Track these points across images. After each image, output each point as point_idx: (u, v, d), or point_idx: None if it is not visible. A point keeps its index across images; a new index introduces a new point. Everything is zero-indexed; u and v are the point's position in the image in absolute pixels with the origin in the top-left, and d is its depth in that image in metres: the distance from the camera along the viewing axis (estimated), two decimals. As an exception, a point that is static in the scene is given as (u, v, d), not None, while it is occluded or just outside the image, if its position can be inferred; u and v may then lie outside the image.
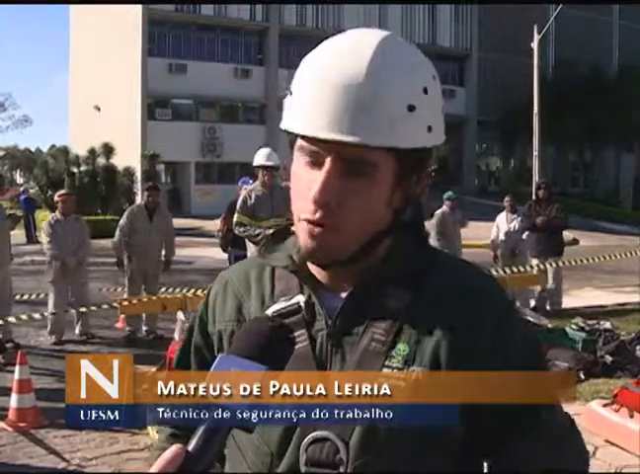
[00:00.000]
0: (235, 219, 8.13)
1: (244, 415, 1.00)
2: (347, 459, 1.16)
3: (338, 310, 1.23)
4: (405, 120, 1.14)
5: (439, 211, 12.22)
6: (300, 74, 1.19)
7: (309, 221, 1.19)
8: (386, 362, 1.18)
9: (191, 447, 0.99)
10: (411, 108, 1.14)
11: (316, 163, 1.17)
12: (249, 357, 1.02)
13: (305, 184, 1.18)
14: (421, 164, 1.22)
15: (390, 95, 1.13)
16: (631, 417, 5.24)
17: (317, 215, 1.17)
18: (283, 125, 1.21)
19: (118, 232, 9.75)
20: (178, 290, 9.80)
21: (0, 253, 8.96)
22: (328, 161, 1.16)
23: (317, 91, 1.15)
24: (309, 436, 1.17)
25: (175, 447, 0.97)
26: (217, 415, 1.00)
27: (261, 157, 8.18)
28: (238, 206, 8.10)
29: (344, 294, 1.24)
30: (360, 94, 1.12)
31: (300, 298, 1.26)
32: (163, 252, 9.90)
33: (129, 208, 10.08)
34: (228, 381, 1.00)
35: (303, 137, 1.18)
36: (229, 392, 1.00)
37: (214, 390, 1.01)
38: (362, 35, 1.19)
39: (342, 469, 1.16)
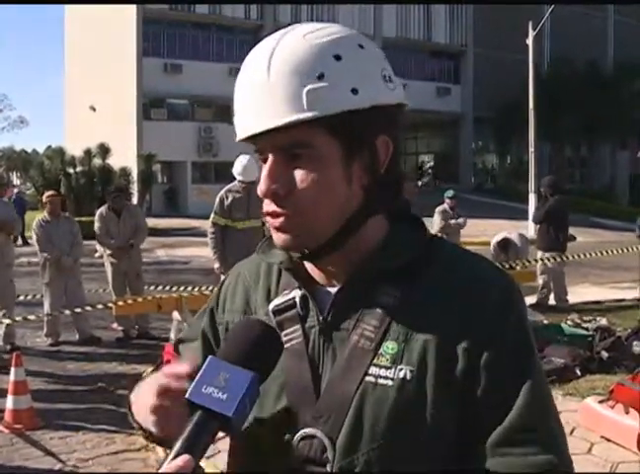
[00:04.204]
0: (211, 220, 8.23)
1: (228, 417, 1.00)
2: (333, 458, 1.15)
3: (329, 306, 1.22)
4: (317, 89, 1.13)
5: (439, 208, 12.48)
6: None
7: (268, 214, 1.20)
8: (374, 361, 1.16)
9: (176, 449, 0.99)
10: (320, 76, 1.13)
11: (265, 160, 1.19)
12: (236, 363, 1.03)
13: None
14: (365, 131, 1.18)
15: (293, 72, 1.13)
16: (627, 413, 5.24)
17: (272, 207, 1.19)
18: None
19: (98, 237, 9.97)
20: (174, 290, 9.78)
21: (6, 254, 8.99)
22: (269, 155, 1.18)
23: (238, 98, 1.19)
24: (300, 433, 1.18)
25: (186, 457, 0.98)
26: (203, 417, 1.00)
27: (237, 169, 8.17)
28: (215, 207, 8.17)
29: (336, 289, 1.23)
30: (267, 82, 1.14)
31: (297, 293, 1.26)
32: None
33: (98, 212, 10.00)
34: (215, 385, 1.01)
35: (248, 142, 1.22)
36: (216, 397, 1.00)
37: (201, 392, 1.01)
38: (275, 34, 1.20)
39: (328, 467, 1.15)
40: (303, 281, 1.26)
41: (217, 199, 8.17)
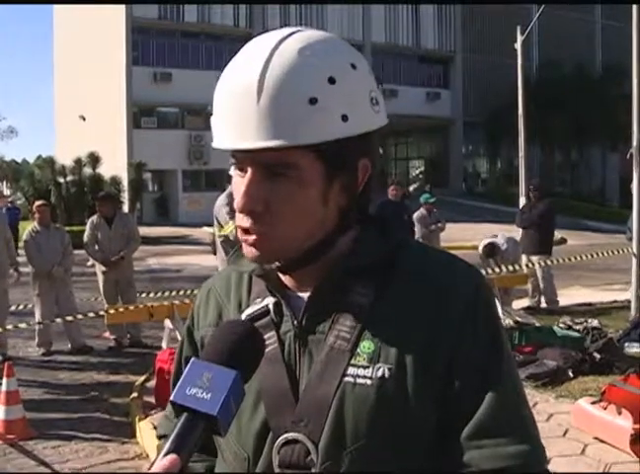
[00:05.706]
0: (231, 227, 7.35)
1: (214, 417, 0.99)
2: (317, 460, 1.15)
3: (302, 310, 1.22)
4: (308, 115, 1.10)
5: (417, 215, 12.61)
6: (215, 89, 1.18)
7: (242, 229, 1.19)
8: (352, 361, 1.17)
9: (164, 450, 0.99)
10: (313, 101, 1.10)
11: (243, 170, 1.17)
12: (219, 362, 1.03)
13: (237, 192, 1.17)
14: (350, 156, 1.17)
15: (286, 93, 1.10)
16: (619, 414, 5.24)
17: (247, 223, 1.17)
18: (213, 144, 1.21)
19: (85, 246, 9.91)
20: (166, 296, 9.75)
21: (1, 265, 8.97)
22: (248, 168, 1.16)
23: (221, 104, 1.15)
24: (281, 438, 1.18)
25: (172, 456, 0.97)
26: (189, 418, 1.00)
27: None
28: (229, 215, 7.38)
29: (308, 293, 1.24)
30: (255, 99, 1.10)
31: (270, 300, 1.25)
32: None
33: (90, 220, 10.03)
34: (199, 386, 1.01)
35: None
36: (201, 397, 1.00)
37: (186, 394, 1.01)
38: (264, 38, 1.17)
39: (313, 470, 1.15)
40: (276, 287, 1.26)
41: (228, 207, 7.48)
